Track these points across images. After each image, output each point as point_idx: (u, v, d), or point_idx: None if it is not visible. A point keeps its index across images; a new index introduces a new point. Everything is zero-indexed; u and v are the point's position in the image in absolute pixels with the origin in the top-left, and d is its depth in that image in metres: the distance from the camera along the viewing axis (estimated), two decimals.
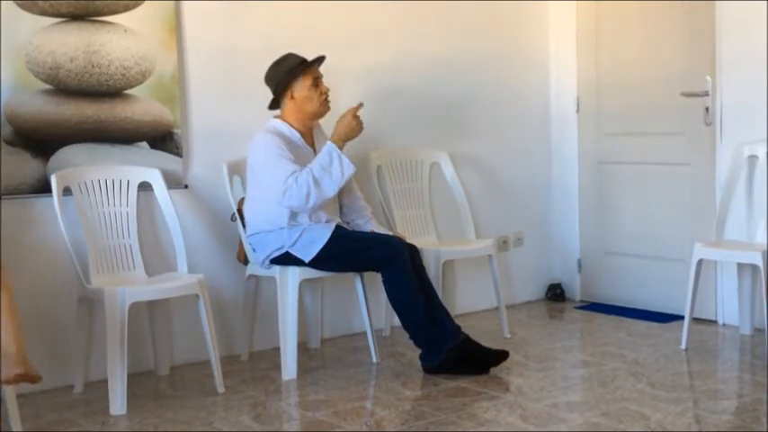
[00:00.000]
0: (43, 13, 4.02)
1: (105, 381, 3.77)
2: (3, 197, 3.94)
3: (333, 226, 4.17)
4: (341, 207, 4.43)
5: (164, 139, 4.36)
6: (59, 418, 3.69)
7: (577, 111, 5.63)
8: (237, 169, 4.37)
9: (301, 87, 4.20)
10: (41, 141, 4.05)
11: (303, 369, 4.24)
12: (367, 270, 4.26)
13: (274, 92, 4.24)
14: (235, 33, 4.55)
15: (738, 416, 3.54)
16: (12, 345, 3.11)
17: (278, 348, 4.21)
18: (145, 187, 4.24)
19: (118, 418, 3.67)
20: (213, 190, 4.46)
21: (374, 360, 4.37)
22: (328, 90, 4.26)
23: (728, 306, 4.87)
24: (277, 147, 4.09)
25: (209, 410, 3.74)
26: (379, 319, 4.83)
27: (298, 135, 4.24)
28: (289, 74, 4.18)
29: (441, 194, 5.21)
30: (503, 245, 5.54)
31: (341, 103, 4.34)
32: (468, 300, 5.35)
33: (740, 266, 4.64)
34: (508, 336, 4.84)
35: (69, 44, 4.08)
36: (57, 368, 4.00)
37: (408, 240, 4.32)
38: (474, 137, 5.43)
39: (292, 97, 4.22)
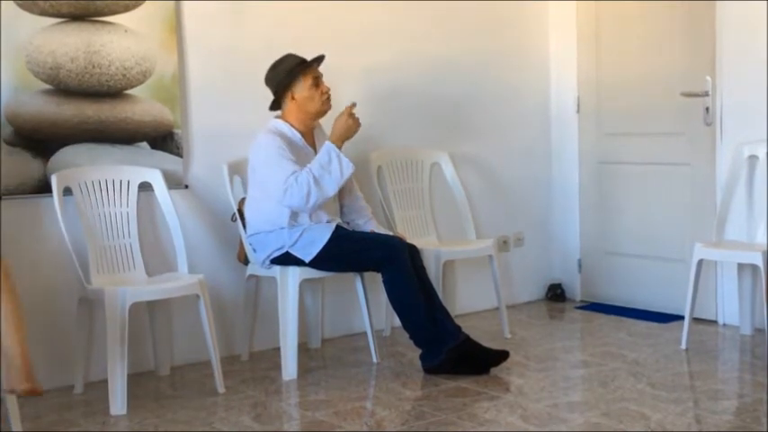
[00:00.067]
0: (43, 13, 4.02)
1: (105, 381, 3.77)
2: (3, 197, 3.94)
3: (333, 226, 4.16)
4: (341, 207, 4.43)
5: (164, 140, 4.36)
6: (59, 418, 3.70)
7: (578, 111, 5.63)
8: (238, 169, 4.37)
9: (302, 88, 4.20)
10: (42, 141, 4.05)
11: (303, 369, 4.24)
12: (367, 270, 4.26)
13: (275, 93, 4.24)
14: (235, 34, 4.55)
15: (739, 416, 3.54)
16: (17, 357, 3.07)
17: (278, 348, 4.21)
18: (145, 187, 4.24)
19: (118, 419, 3.67)
20: (213, 190, 4.46)
21: (374, 360, 4.37)
22: (329, 89, 4.25)
23: (729, 306, 4.87)
24: (278, 147, 4.09)
25: (209, 411, 3.74)
26: (380, 319, 4.82)
27: (299, 135, 4.24)
28: (289, 74, 4.18)
29: (441, 194, 5.21)
30: (503, 245, 5.54)
31: (341, 103, 4.34)
32: (468, 300, 5.35)
33: (740, 267, 4.64)
34: (508, 336, 4.84)
35: (70, 44, 4.08)
36: (57, 368, 4.01)
37: (409, 240, 4.32)
38: (474, 137, 5.43)
39: (293, 98, 4.21)
